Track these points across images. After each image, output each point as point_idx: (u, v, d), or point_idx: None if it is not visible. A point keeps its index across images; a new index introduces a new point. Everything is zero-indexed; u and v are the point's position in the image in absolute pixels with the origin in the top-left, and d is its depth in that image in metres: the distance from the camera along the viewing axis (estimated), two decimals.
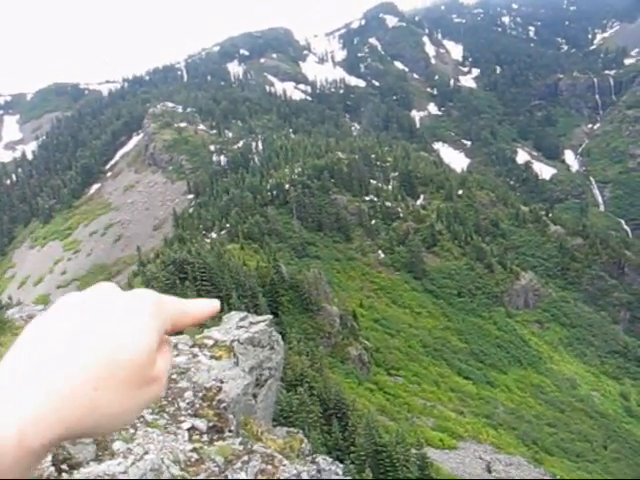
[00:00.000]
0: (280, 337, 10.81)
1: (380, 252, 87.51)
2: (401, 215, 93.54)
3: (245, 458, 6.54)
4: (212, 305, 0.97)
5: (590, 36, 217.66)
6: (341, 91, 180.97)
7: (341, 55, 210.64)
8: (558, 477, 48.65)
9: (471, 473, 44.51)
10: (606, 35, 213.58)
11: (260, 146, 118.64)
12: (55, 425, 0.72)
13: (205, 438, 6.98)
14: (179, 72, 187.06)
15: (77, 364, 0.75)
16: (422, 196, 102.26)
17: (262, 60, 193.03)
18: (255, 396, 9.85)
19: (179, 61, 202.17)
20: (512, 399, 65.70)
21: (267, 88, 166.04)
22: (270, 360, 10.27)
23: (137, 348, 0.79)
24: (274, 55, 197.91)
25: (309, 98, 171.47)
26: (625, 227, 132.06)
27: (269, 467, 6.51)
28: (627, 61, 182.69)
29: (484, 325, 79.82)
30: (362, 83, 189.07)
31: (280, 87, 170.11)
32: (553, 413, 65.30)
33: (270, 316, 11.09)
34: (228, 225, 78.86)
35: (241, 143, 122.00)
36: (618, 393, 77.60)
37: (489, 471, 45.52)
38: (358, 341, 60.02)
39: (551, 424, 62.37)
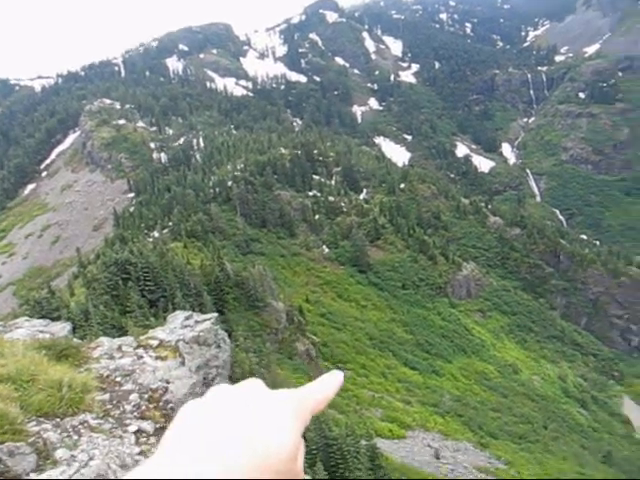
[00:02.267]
0: (226, 335, 10.70)
1: (324, 247, 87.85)
2: (344, 210, 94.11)
3: None
4: (337, 380, 1.08)
5: (523, 34, 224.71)
6: (282, 87, 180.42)
7: (282, 50, 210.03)
8: (502, 459, 50.19)
9: (420, 460, 45.33)
10: (538, 33, 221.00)
11: (201, 143, 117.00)
12: None
13: (152, 440, 6.85)
14: (116, 68, 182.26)
15: (240, 457, 0.84)
16: (365, 190, 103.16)
17: (202, 56, 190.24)
18: (202, 395, 9.71)
19: (116, 56, 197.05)
20: (457, 387, 67.22)
21: (207, 84, 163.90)
22: (217, 358, 10.15)
23: (285, 450, 0.89)
24: (214, 50, 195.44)
25: (250, 94, 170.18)
26: (560, 217, 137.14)
27: None
28: (557, 58, 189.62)
29: (428, 316, 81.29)
30: (303, 78, 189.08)
31: (221, 83, 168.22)
32: (497, 398, 67.25)
33: (215, 314, 10.96)
34: (170, 223, 77.49)
35: (182, 140, 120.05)
36: (556, 376, 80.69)
37: (437, 457, 46.50)
38: (305, 336, 60.12)
39: (495, 409, 64.23)
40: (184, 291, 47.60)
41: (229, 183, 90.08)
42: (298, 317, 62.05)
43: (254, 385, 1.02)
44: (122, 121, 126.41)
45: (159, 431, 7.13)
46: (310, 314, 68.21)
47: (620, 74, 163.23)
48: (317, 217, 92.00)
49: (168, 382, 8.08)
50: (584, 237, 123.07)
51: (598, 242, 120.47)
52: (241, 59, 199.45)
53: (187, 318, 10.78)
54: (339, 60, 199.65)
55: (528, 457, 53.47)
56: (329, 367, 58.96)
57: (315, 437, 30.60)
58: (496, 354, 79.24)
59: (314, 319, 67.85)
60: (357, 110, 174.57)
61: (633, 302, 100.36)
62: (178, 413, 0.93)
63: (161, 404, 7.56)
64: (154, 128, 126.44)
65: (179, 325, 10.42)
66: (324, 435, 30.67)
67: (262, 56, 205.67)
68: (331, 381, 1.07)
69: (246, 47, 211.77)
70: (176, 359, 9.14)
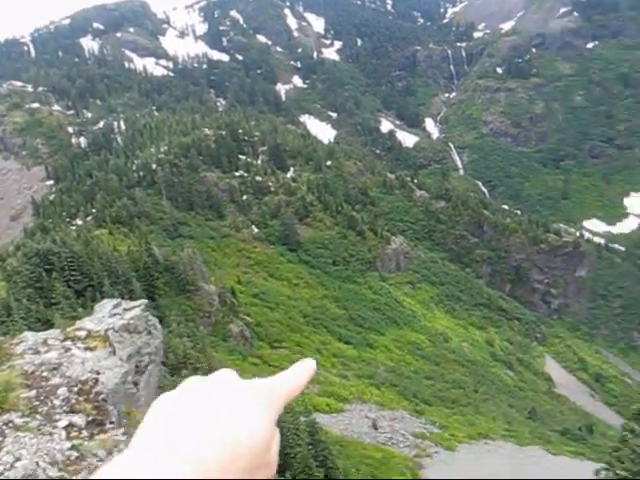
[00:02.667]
0: (157, 321, 10.48)
1: (254, 227, 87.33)
2: (272, 189, 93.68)
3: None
4: (310, 367, 1.08)
5: (442, 10, 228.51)
6: (204, 66, 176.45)
7: (202, 29, 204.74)
8: (437, 424, 52.05)
9: (359, 432, 46.36)
10: (456, 10, 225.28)
11: (122, 126, 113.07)
12: None
13: (85, 433, 6.63)
14: (25, 47, 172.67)
15: (208, 452, 0.84)
16: (292, 169, 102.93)
17: (118, 35, 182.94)
18: (136, 384, 9.50)
19: (24, 35, 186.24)
20: (391, 358, 68.88)
21: (126, 64, 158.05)
22: (148, 345, 9.94)
23: (257, 439, 0.89)
24: (131, 29, 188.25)
25: (171, 74, 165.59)
26: (482, 189, 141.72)
27: None
28: (476, 34, 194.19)
29: (360, 290, 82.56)
30: (225, 57, 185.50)
31: (140, 63, 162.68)
32: (429, 367, 69.42)
33: (145, 301, 10.69)
34: (94, 210, 74.83)
35: (102, 123, 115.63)
36: (484, 341, 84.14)
37: (375, 428, 47.67)
38: (239, 317, 59.89)
39: (428, 377, 66.31)
40: (112, 279, 46.21)
41: (153, 166, 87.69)
42: (230, 299, 61.63)
43: (226, 376, 1.01)
44: (36, 105, 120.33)
45: (91, 424, 6.91)
46: (242, 295, 67.89)
47: (534, 50, 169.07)
48: (245, 197, 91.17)
49: (98, 373, 7.83)
50: (506, 207, 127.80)
51: (519, 211, 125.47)
52: (160, 38, 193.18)
53: (115, 306, 10.46)
54: (261, 38, 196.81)
55: (461, 420, 55.67)
56: (265, 347, 59.11)
57: None
58: (427, 324, 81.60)
59: (247, 300, 67.58)
60: (281, 88, 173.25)
61: (552, 267, 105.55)
62: (150, 407, 0.93)
63: (92, 396, 7.32)
64: (71, 112, 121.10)
65: (107, 314, 10.10)
66: None
67: (182, 35, 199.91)
68: (303, 369, 1.08)
69: (165, 25, 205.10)
70: (106, 349, 8.87)
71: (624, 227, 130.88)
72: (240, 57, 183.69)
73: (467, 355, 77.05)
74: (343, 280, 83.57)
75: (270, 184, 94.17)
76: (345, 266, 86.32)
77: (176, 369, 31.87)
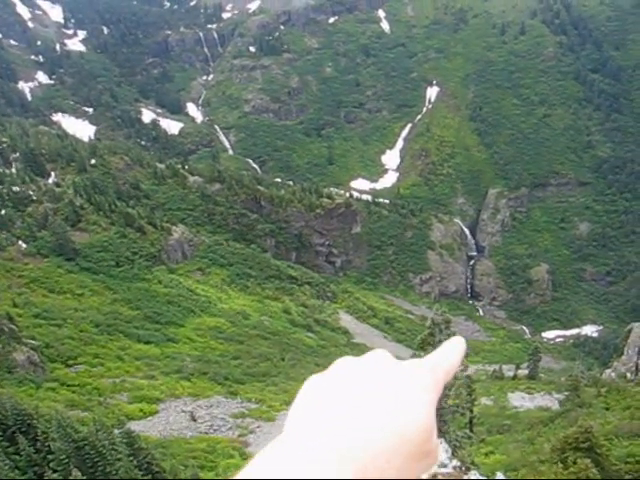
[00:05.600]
0: None
1: (21, 242, 79.46)
2: (34, 198, 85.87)
3: None
4: (461, 345, 1.02)
5: None
6: None
7: None
8: (253, 400, 53.32)
9: (179, 428, 45.67)
10: None
11: None
12: None
13: None
14: None
15: (374, 437, 0.80)
16: (53, 173, 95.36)
17: None
18: None
19: None
20: (196, 347, 68.51)
21: None
22: None
23: (422, 424, 0.85)
24: None
25: None
26: (254, 165, 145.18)
27: None
28: (225, 15, 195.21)
29: (150, 287, 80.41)
30: None
31: None
32: (235, 347, 70.40)
33: None
34: None
35: None
36: (281, 311, 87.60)
37: (194, 419, 47.34)
38: (22, 343, 54.44)
39: (235, 357, 67.30)
40: None
41: None
42: (8, 325, 55.59)
43: (381, 356, 0.95)
44: None
45: None
46: (22, 318, 61.68)
47: (282, 27, 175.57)
48: (4, 212, 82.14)
49: None
50: (278, 180, 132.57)
51: (291, 182, 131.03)
52: None
53: None
54: None
55: (275, 390, 57.69)
56: (58, 368, 54.72)
57: (62, 445, 28.40)
58: (224, 306, 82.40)
59: (28, 322, 61.61)
60: (24, 87, 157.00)
61: (330, 229, 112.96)
62: (303, 389, 0.89)
63: None
64: None
65: None
66: (72, 439, 28.65)
67: None
68: (455, 346, 1.02)
69: None
70: None
71: (385, 182, 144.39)
72: None
73: (268, 328, 79.57)
74: (130, 280, 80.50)
75: (31, 193, 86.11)
76: (130, 265, 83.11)
77: None
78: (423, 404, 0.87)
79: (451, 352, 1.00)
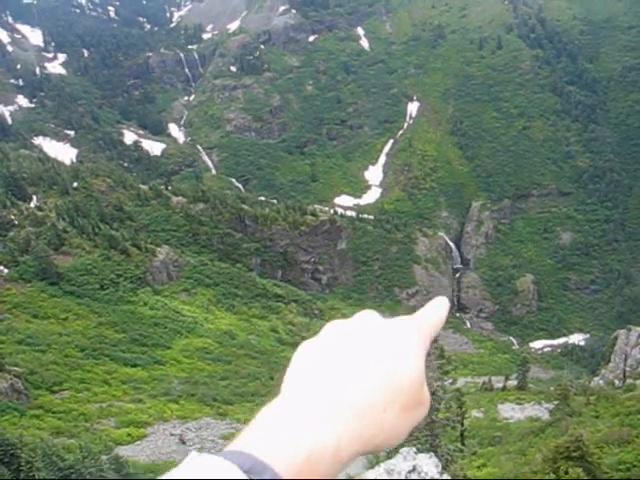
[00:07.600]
0: None
1: (2, 267, 78.49)
2: (16, 222, 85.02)
3: None
4: (445, 303, 1.10)
5: (169, 15, 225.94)
6: None
7: None
8: (243, 421, 52.62)
9: (168, 452, 44.93)
10: (182, 13, 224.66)
11: None
12: (357, 442, 0.83)
13: None
14: None
15: (373, 388, 0.85)
16: (35, 197, 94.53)
17: None
18: None
19: None
20: (183, 369, 67.76)
21: None
22: None
23: (415, 375, 0.90)
24: None
25: None
26: (237, 184, 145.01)
27: None
28: (205, 36, 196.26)
29: (136, 309, 79.58)
30: None
31: None
32: (222, 367, 69.77)
33: None
34: None
35: None
36: (269, 329, 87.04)
37: (183, 442, 46.66)
38: (5, 370, 53.51)
39: (223, 377, 66.68)
40: None
41: None
42: None
43: (369, 315, 0.99)
44: None
45: None
46: (5, 345, 60.74)
47: (262, 47, 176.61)
48: None
49: None
50: (262, 198, 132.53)
51: (275, 200, 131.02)
52: None
53: None
54: None
55: (257, 410, 56.97)
56: (43, 395, 53.80)
57: (47, 474, 27.79)
58: (210, 326, 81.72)
59: (11, 349, 60.58)
60: (4, 110, 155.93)
61: (315, 246, 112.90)
62: (296, 353, 0.92)
63: None
64: None
65: None
66: (58, 468, 28.07)
67: None
68: (438, 305, 1.08)
69: None
70: None
71: (369, 198, 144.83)
72: None
73: (256, 347, 79.02)
74: (116, 302, 79.66)
75: (12, 217, 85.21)
76: (115, 288, 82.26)
77: None
78: (414, 357, 0.91)
79: (436, 309, 1.07)
